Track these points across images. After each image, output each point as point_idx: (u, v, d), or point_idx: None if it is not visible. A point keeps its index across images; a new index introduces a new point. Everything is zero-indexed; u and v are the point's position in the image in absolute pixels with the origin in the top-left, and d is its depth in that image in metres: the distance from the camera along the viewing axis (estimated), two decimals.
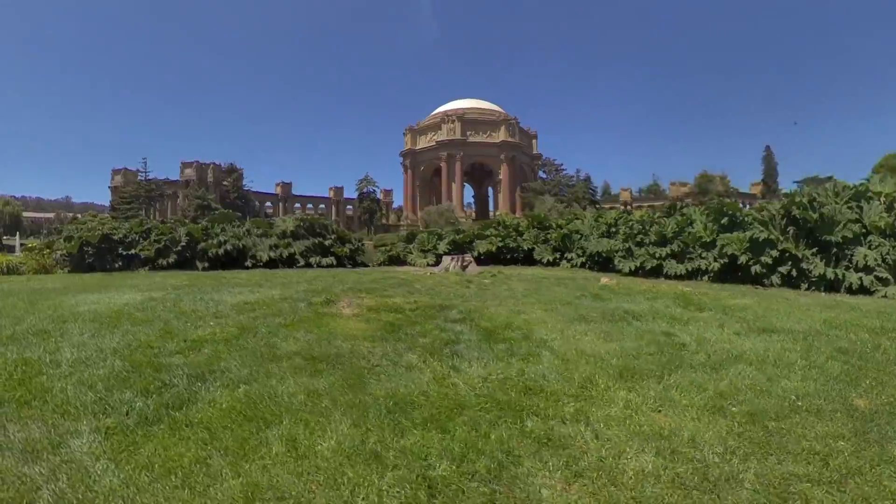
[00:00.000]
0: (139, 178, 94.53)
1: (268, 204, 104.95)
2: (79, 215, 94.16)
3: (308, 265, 23.63)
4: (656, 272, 18.42)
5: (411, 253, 27.11)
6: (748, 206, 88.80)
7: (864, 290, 13.52)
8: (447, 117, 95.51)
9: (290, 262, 23.75)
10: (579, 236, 24.50)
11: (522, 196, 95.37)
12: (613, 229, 23.36)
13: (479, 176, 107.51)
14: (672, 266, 17.86)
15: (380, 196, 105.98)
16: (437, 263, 25.07)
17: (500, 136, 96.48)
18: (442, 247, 26.77)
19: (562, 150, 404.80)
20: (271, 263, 23.41)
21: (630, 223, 22.32)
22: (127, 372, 5.89)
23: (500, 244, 26.41)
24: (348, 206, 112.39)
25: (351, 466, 3.86)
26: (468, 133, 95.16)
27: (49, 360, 6.21)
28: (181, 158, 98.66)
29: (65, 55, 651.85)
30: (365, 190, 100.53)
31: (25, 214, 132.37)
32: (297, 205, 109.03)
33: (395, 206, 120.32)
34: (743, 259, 15.85)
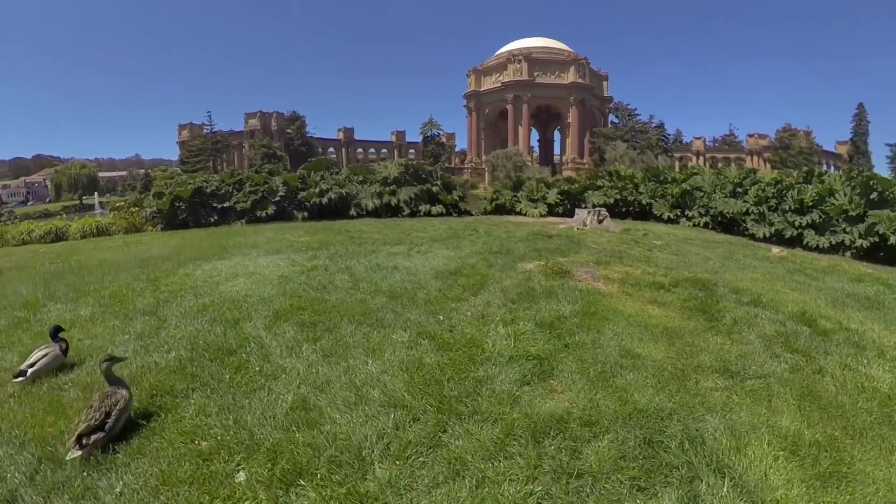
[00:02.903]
0: (205, 131, 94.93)
1: (330, 150, 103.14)
2: (150, 171, 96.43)
3: (413, 214, 21.64)
4: (792, 242, 17.50)
5: (520, 202, 24.58)
6: (832, 167, 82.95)
7: None
8: (513, 57, 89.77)
9: (395, 210, 21.70)
10: (701, 193, 22.74)
11: (592, 141, 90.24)
12: (740, 189, 21.58)
13: (546, 119, 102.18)
14: (812, 237, 17.10)
15: (443, 140, 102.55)
16: (550, 214, 23.45)
17: (570, 77, 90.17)
18: (551, 196, 24.31)
19: (632, 93, 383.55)
20: (374, 213, 21.51)
21: (759, 184, 21.06)
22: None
23: (618, 197, 24.36)
24: (410, 151, 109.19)
25: None
26: (535, 74, 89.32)
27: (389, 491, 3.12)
28: (244, 110, 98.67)
29: (127, 17, 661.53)
30: (429, 133, 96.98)
31: (100, 175, 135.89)
32: (360, 150, 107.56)
33: (456, 149, 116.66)
34: (893, 239, 15.15)
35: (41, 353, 4.80)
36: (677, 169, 74.05)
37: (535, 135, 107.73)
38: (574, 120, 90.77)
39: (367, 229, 14.96)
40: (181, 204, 20.69)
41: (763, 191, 19.95)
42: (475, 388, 4.13)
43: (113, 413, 3.56)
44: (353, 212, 21.42)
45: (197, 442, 3.45)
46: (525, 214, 23.29)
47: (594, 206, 22.35)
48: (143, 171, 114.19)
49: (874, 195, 16.73)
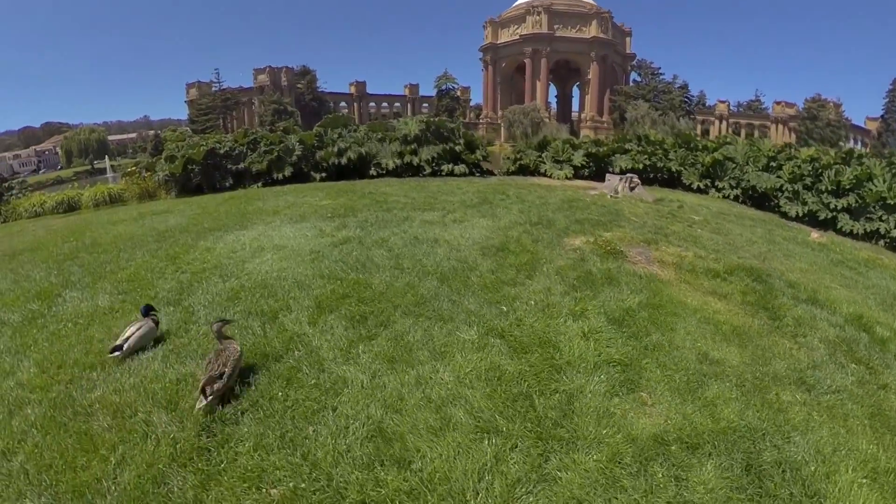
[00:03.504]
0: (213, 89, 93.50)
1: (342, 104, 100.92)
2: (159, 132, 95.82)
3: (434, 173, 20.72)
4: (825, 224, 17.17)
5: (544, 163, 23.64)
6: (859, 142, 79.19)
7: None
8: (533, 8, 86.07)
9: (416, 170, 20.80)
10: (733, 165, 21.94)
11: (612, 99, 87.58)
12: (773, 164, 20.98)
13: (565, 75, 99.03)
14: (846, 222, 16.78)
15: (458, 94, 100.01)
16: (575, 176, 22.77)
17: (591, 31, 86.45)
18: (577, 159, 23.37)
19: (656, 51, 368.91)
20: (394, 172, 20.63)
21: (795, 160, 20.54)
22: None
23: (647, 162, 23.44)
24: (424, 105, 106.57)
25: None
26: (555, 27, 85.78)
27: None
28: (253, 65, 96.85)
29: None
30: (444, 87, 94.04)
31: (110, 138, 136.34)
32: (372, 104, 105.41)
33: (472, 103, 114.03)
34: None
35: (135, 328, 4.85)
36: (699, 132, 72.04)
37: (552, 90, 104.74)
38: (594, 76, 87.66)
39: (391, 192, 14.22)
40: (194, 167, 19.93)
41: (799, 167, 19.33)
42: (568, 403, 3.62)
43: (230, 363, 3.94)
44: (372, 171, 20.61)
45: (265, 490, 2.81)
46: (550, 176, 22.54)
47: (623, 172, 21.70)
48: (152, 132, 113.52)
49: None
